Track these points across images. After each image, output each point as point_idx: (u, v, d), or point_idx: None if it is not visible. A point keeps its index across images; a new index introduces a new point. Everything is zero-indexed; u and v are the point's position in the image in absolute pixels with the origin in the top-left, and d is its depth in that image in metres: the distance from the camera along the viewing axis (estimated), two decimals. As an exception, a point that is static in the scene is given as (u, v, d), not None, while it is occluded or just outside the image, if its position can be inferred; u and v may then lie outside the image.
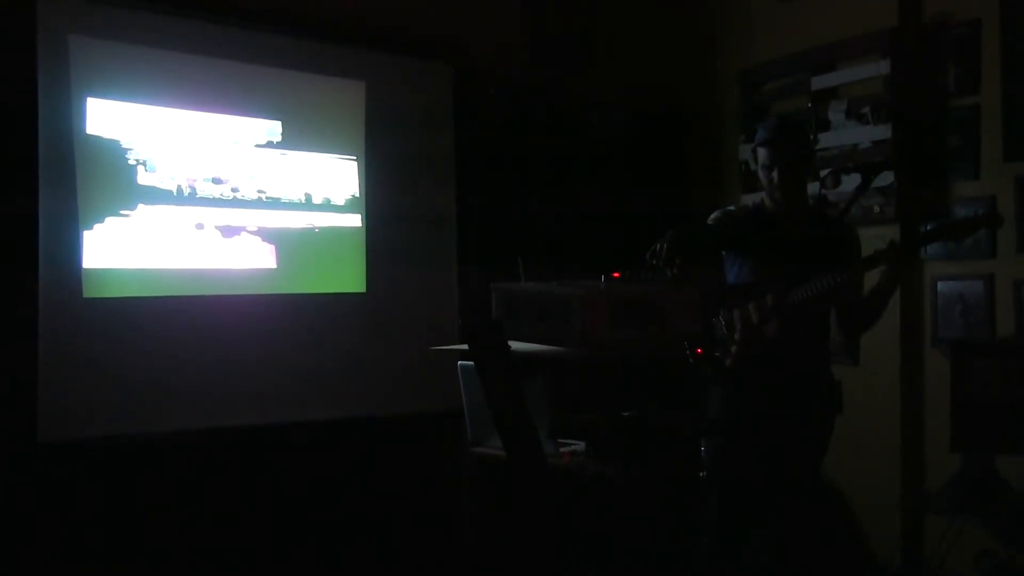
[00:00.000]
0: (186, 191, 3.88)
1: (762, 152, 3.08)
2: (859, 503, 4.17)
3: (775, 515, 3.08)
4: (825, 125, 4.39)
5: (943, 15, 4.09)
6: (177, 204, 3.85)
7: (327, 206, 4.23)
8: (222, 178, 3.97)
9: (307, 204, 4.17)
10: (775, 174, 3.05)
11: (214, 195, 3.94)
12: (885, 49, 4.16)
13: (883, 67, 4.17)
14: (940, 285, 4.09)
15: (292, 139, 4.13)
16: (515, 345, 2.70)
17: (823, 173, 4.30)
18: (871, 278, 3.01)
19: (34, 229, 3.50)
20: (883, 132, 4.16)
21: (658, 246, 2.83)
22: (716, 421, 3.14)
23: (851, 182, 4.20)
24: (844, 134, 4.31)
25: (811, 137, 4.19)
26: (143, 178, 3.77)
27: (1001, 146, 3.90)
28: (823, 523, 3.41)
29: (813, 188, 3.25)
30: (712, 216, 3.23)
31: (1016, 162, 3.86)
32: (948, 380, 3.81)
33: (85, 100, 3.63)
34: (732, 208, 3.32)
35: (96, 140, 3.66)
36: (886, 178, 4.10)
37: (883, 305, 3.05)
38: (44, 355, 3.50)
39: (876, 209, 4.15)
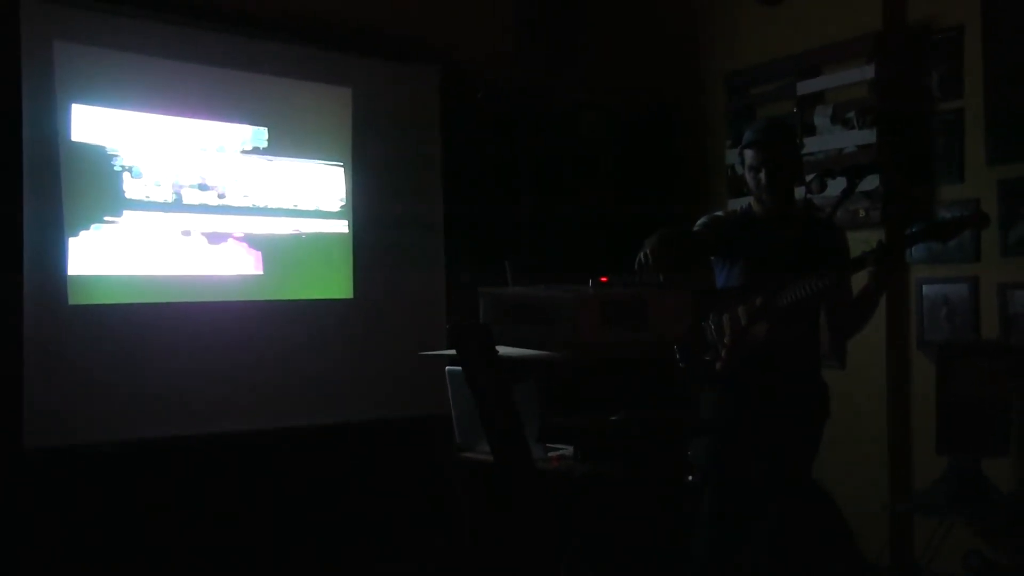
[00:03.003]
0: (172, 198, 3.86)
1: (749, 153, 3.09)
2: (848, 505, 4.18)
3: (766, 518, 3.09)
4: (811, 129, 4.41)
5: (927, 20, 4.13)
6: (163, 211, 3.83)
7: (314, 212, 4.22)
8: (208, 184, 3.95)
9: (294, 210, 4.16)
10: (763, 175, 3.06)
11: (200, 202, 3.93)
12: (870, 54, 4.19)
13: (868, 72, 4.20)
14: (925, 288, 4.11)
15: (278, 145, 4.12)
16: (503, 349, 2.69)
17: (809, 177, 4.32)
18: (859, 282, 3.02)
19: (19, 236, 3.48)
20: (868, 136, 4.19)
21: (644, 252, 2.83)
22: (707, 424, 3.15)
23: (837, 186, 4.21)
24: (829, 138, 4.33)
25: (797, 140, 4.21)
26: (129, 185, 3.76)
27: (984, 150, 3.93)
28: (814, 524, 3.42)
29: (799, 192, 3.26)
30: (699, 222, 3.24)
31: (999, 165, 3.90)
32: (934, 382, 3.84)
33: (70, 106, 3.62)
34: (719, 213, 3.33)
35: (81, 146, 3.65)
36: (872, 182, 4.12)
37: (872, 307, 3.06)
38: (29, 362, 3.48)
39: (862, 213, 4.17)
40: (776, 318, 2.94)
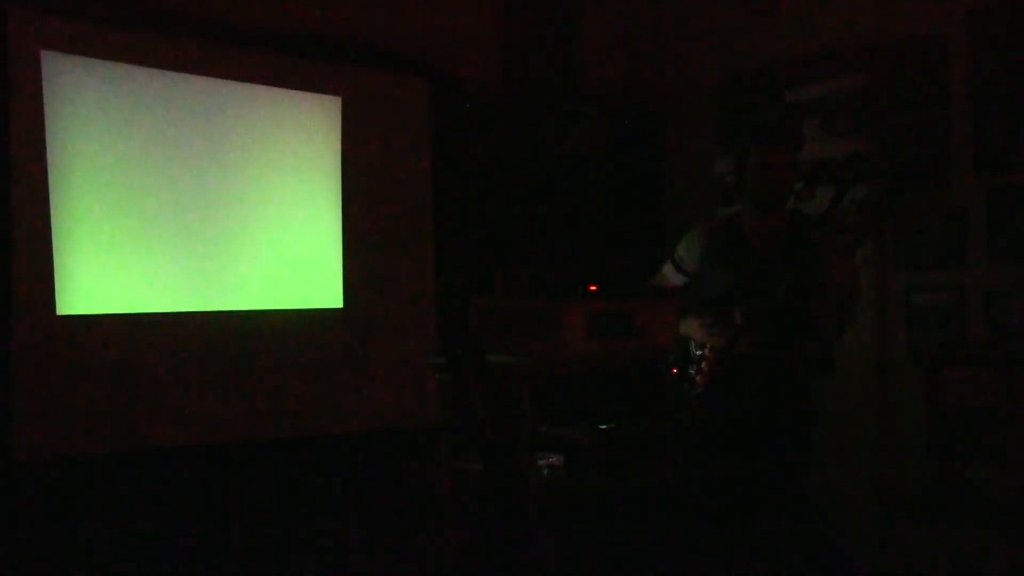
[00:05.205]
0: (161, 206, 3.85)
1: (764, 152, 3.09)
2: (837, 512, 4.19)
3: (752, 527, 3.09)
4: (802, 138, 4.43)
5: (914, 30, 4.15)
6: (152, 220, 3.82)
7: (304, 221, 4.21)
8: (199, 193, 3.94)
9: (284, 220, 4.15)
10: (778, 176, 3.06)
11: (190, 210, 3.92)
12: (859, 63, 4.22)
13: (857, 81, 4.22)
14: (914, 297, 4.13)
15: (269, 154, 4.12)
16: (494, 358, 2.71)
17: (798, 186, 4.33)
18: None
19: (7, 246, 3.46)
20: (857, 144, 4.21)
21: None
22: (693, 436, 3.15)
23: (825, 194, 4.23)
24: (819, 147, 4.34)
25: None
26: (118, 193, 3.74)
27: (971, 157, 3.96)
28: (801, 534, 3.42)
29: (789, 201, 3.26)
30: (681, 244, 3.25)
31: (986, 173, 3.92)
32: (923, 390, 3.86)
33: (59, 115, 3.61)
34: (700, 229, 3.30)
35: (70, 155, 3.63)
36: (860, 190, 4.14)
37: (842, 294, 3.01)
38: (17, 372, 3.47)
39: (849, 221, 4.18)
40: (756, 330, 2.95)
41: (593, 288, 2.74)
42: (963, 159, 3.99)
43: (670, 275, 3.31)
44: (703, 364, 3.04)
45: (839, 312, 3.10)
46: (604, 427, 2.99)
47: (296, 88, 4.19)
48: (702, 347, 3.10)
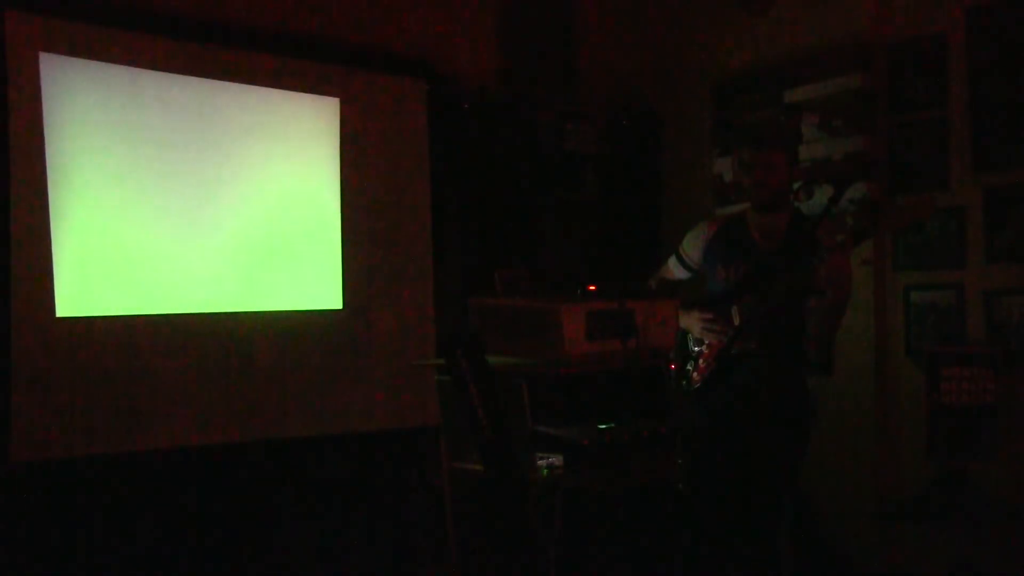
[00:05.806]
0: (160, 208, 3.85)
1: (747, 152, 3.11)
2: (835, 511, 4.20)
3: (745, 526, 3.09)
4: (798, 138, 4.43)
5: (912, 28, 4.16)
6: (151, 222, 3.82)
7: (302, 222, 4.21)
8: (196, 195, 3.94)
9: (282, 220, 4.16)
10: (754, 171, 3.08)
11: (188, 212, 3.92)
12: (857, 62, 4.22)
13: (854, 80, 4.22)
14: (913, 295, 4.14)
15: (267, 155, 4.12)
16: (493, 358, 2.71)
17: (796, 185, 4.34)
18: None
19: (6, 248, 3.47)
20: (855, 144, 4.21)
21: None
22: (689, 434, 3.16)
23: (824, 194, 4.24)
24: (817, 146, 4.35)
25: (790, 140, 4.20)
26: (116, 195, 3.75)
27: (970, 157, 3.96)
28: (797, 533, 3.43)
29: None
30: (685, 242, 3.25)
31: (984, 172, 3.93)
32: (923, 389, 3.86)
33: (56, 117, 3.61)
34: (705, 225, 3.31)
35: (68, 158, 3.64)
36: (859, 190, 4.15)
37: (837, 293, 3.01)
38: (17, 374, 3.47)
39: (849, 221, 4.19)
40: (753, 330, 2.95)
41: (593, 288, 2.74)
42: (962, 159, 4.00)
43: (674, 269, 3.33)
44: (700, 361, 3.06)
45: (834, 311, 3.12)
46: (604, 427, 2.99)
47: (294, 89, 4.19)
48: (699, 343, 3.11)
